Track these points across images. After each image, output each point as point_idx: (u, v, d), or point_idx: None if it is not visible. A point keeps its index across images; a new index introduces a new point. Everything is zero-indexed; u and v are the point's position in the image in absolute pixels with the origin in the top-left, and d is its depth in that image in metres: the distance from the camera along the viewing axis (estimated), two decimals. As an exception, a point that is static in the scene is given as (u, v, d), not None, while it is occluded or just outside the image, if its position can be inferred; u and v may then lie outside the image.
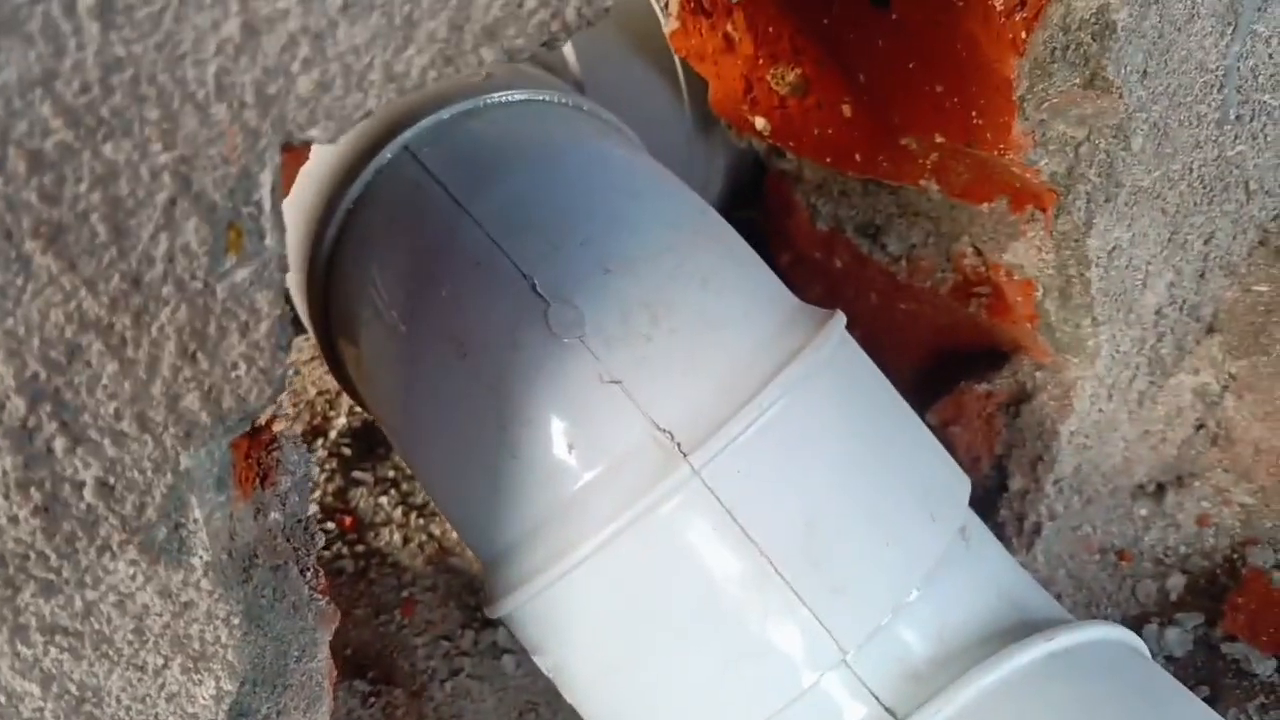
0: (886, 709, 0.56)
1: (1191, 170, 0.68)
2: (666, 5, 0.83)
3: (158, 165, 0.36)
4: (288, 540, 0.52)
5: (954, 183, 0.75)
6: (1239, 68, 0.69)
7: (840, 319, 0.65)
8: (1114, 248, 0.68)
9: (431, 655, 0.83)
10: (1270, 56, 0.70)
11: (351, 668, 0.78)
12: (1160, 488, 0.81)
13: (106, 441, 0.39)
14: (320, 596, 0.52)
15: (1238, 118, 0.71)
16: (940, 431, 0.82)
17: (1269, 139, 0.74)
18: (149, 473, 0.40)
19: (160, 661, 0.44)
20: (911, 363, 0.88)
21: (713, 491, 0.56)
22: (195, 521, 0.43)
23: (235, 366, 0.41)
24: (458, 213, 0.62)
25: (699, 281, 0.60)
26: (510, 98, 0.69)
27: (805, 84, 0.78)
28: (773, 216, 0.94)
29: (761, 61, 0.78)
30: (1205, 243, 0.72)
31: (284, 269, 0.41)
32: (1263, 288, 0.79)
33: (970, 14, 0.62)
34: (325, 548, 0.88)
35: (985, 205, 0.74)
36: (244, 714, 0.49)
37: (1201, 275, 0.72)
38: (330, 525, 0.89)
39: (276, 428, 0.53)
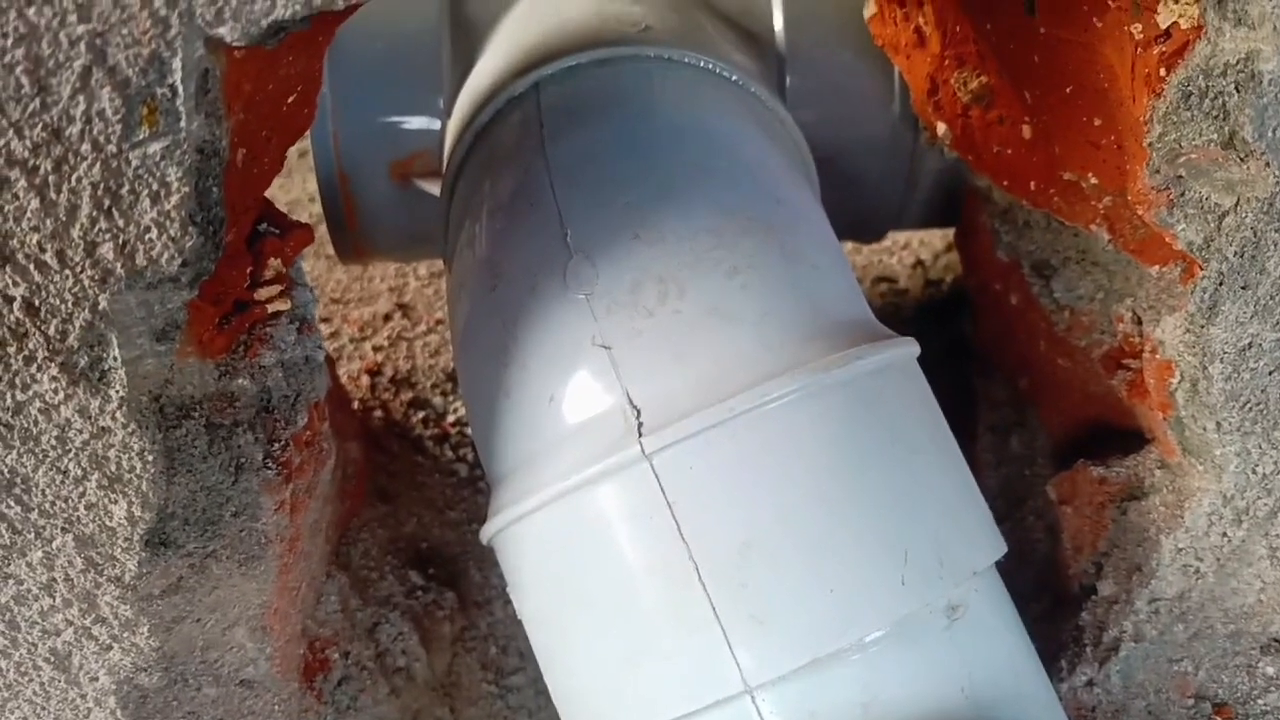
0: (782, 761, 0.52)
1: (1384, 278, 0.54)
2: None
3: (75, 34, 0.40)
4: (268, 410, 0.57)
5: (1128, 236, 0.65)
6: None
7: (898, 349, 0.59)
8: (1249, 345, 0.56)
9: (508, 575, 0.85)
10: None
11: (417, 559, 0.82)
12: (1302, 650, 0.66)
13: (31, 267, 0.45)
14: (274, 467, 0.56)
15: None
16: (1054, 509, 0.73)
17: None
18: (69, 304, 0.46)
19: (80, 472, 0.50)
20: (1064, 427, 0.78)
21: (658, 479, 0.54)
22: (115, 359, 0.48)
23: (148, 230, 0.45)
24: (539, 153, 0.64)
25: (726, 270, 0.57)
26: (649, 53, 0.69)
27: (989, 94, 0.70)
28: (963, 234, 0.86)
29: (947, 63, 0.72)
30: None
31: (206, 153, 0.45)
32: None
33: (1108, 39, 0.54)
34: (454, 448, 0.93)
35: (1156, 268, 0.64)
36: (166, 543, 0.54)
37: (1397, 410, 0.58)
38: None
39: (276, 307, 0.57)
